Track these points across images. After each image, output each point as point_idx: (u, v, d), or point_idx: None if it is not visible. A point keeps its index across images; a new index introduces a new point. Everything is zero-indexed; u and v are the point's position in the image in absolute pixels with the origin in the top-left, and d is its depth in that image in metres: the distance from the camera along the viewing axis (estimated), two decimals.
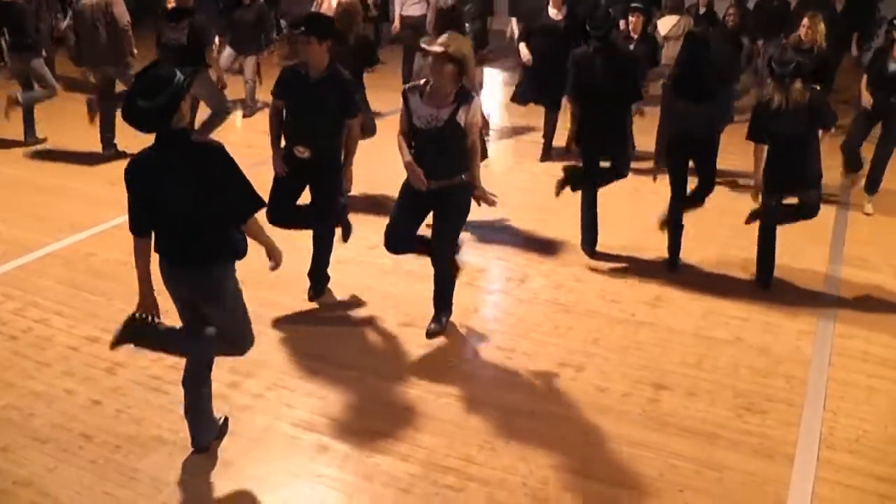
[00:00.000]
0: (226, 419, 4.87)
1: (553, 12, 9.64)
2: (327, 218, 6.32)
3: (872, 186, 8.67)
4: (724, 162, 7.25)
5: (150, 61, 4.18)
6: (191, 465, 4.60)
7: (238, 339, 4.61)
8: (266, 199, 4.65)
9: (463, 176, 5.63)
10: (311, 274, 6.45)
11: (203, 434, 4.62)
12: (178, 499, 4.39)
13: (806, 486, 4.55)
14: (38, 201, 8.34)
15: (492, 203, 5.82)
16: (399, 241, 5.86)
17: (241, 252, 4.38)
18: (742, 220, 7.31)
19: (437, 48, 5.32)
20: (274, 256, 4.59)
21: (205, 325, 4.49)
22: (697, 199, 7.11)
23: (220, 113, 9.22)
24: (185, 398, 4.52)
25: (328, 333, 6.04)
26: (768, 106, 6.38)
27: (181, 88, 3.99)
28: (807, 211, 6.62)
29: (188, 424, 4.58)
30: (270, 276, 6.50)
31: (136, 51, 9.35)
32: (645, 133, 9.48)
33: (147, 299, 4.37)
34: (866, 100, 8.55)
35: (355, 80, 6.13)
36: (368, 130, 8.52)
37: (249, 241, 4.39)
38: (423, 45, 5.52)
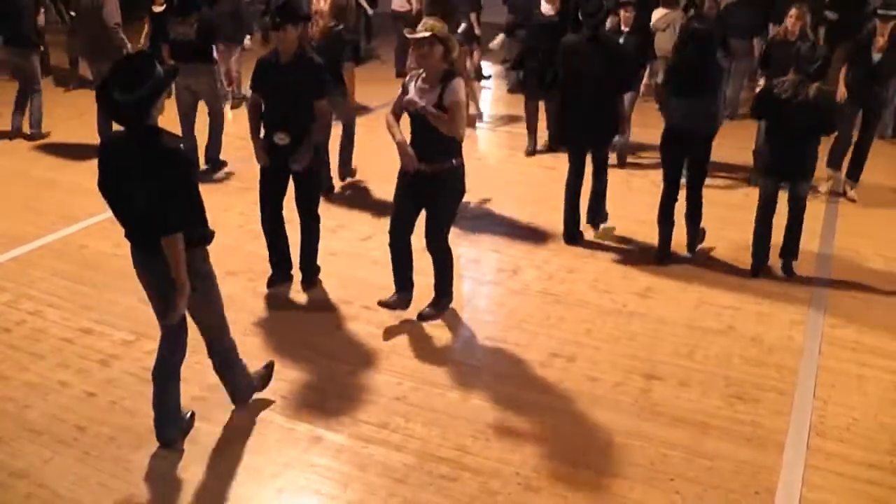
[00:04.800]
0: (192, 414, 4.87)
1: (546, 7, 9.63)
2: (309, 203, 6.34)
3: (856, 174, 8.72)
4: (713, 154, 7.27)
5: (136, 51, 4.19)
6: (185, 456, 4.62)
7: (215, 327, 4.62)
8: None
9: (454, 161, 5.70)
10: (300, 265, 6.49)
11: (167, 428, 4.62)
12: (173, 489, 4.40)
13: (796, 474, 4.58)
14: (31, 193, 8.33)
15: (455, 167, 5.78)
16: (401, 229, 5.92)
17: (204, 238, 4.37)
18: (732, 211, 7.37)
19: (424, 33, 5.42)
20: (177, 295, 4.22)
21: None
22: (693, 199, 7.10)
23: (218, 117, 9.10)
24: (154, 391, 4.56)
25: (321, 325, 6.06)
26: (779, 94, 6.42)
27: (161, 83, 4.01)
28: (797, 200, 6.67)
29: (154, 417, 4.59)
30: (265, 268, 6.56)
31: (130, 46, 9.30)
32: (641, 126, 9.53)
33: None
34: (842, 93, 8.60)
35: (324, 64, 6.19)
36: (352, 126, 8.51)
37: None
38: (406, 35, 5.58)
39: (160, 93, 4.03)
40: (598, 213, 7.57)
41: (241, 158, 8.79)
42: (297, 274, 6.57)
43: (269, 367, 5.23)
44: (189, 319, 4.53)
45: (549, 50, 9.35)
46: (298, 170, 6.05)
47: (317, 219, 6.39)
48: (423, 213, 5.91)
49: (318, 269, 6.56)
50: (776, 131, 6.59)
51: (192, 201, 4.23)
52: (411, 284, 6.13)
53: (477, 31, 12.75)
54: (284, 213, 6.39)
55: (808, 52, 6.42)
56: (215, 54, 9.16)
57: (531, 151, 10.09)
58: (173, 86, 8.74)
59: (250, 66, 6.41)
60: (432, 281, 6.12)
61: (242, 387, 4.96)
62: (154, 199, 4.04)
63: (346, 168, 8.58)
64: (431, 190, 5.74)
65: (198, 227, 4.31)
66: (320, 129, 6.13)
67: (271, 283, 6.53)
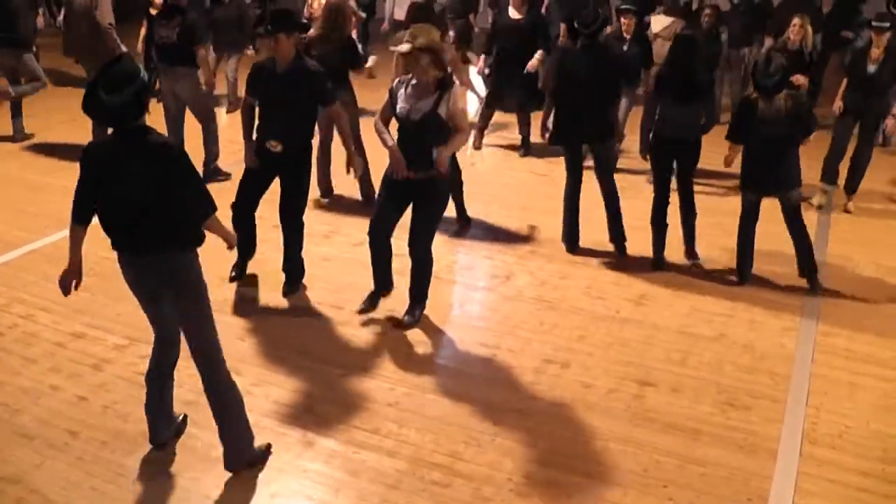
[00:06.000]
0: (184, 417, 4.88)
1: (513, 12, 9.70)
2: (296, 212, 6.37)
3: (853, 187, 8.75)
4: (709, 162, 7.31)
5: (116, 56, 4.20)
6: (177, 461, 4.61)
7: (203, 334, 4.47)
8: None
9: (442, 169, 5.72)
10: (284, 269, 6.50)
11: (161, 430, 4.64)
12: (165, 494, 4.39)
13: (789, 481, 4.60)
14: (23, 197, 8.31)
15: (443, 175, 5.75)
16: (381, 230, 5.97)
17: (196, 241, 4.35)
18: (726, 218, 7.37)
19: (404, 47, 5.44)
20: (228, 240, 4.62)
21: (169, 320, 4.50)
22: (687, 207, 7.15)
23: (207, 122, 9.07)
24: (147, 395, 4.57)
25: (314, 330, 6.06)
26: (751, 109, 6.41)
27: (146, 86, 4.05)
28: (789, 211, 6.68)
29: (147, 420, 4.61)
30: (257, 273, 6.56)
31: (124, 49, 9.28)
32: (633, 132, 9.53)
33: (73, 265, 4.37)
34: (837, 105, 8.66)
35: (324, 70, 6.22)
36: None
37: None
38: (391, 48, 5.61)
39: (144, 94, 4.06)
40: (619, 235, 7.49)
41: (235, 162, 8.77)
42: (279, 278, 6.57)
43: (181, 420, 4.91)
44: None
45: (513, 55, 9.50)
46: (357, 177, 6.15)
47: (301, 226, 6.43)
48: (406, 219, 5.94)
49: (302, 275, 6.57)
50: (756, 145, 6.53)
51: (203, 185, 4.28)
52: (391, 283, 6.25)
53: (476, 30, 12.78)
54: (270, 219, 6.44)
55: (763, 65, 6.36)
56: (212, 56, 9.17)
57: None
58: (160, 89, 8.75)
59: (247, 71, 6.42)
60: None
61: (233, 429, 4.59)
62: (167, 196, 4.09)
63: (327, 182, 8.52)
64: (420, 196, 5.77)
65: (197, 228, 4.34)
66: (344, 130, 6.22)
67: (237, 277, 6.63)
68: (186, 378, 5.08)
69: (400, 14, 13.02)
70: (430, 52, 5.46)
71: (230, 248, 4.66)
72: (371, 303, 6.25)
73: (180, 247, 4.27)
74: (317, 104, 6.21)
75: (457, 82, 5.63)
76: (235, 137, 6.42)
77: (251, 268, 6.71)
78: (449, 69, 5.66)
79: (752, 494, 4.49)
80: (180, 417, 4.83)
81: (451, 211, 7.77)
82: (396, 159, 5.64)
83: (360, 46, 8.88)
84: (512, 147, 10.46)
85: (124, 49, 9.22)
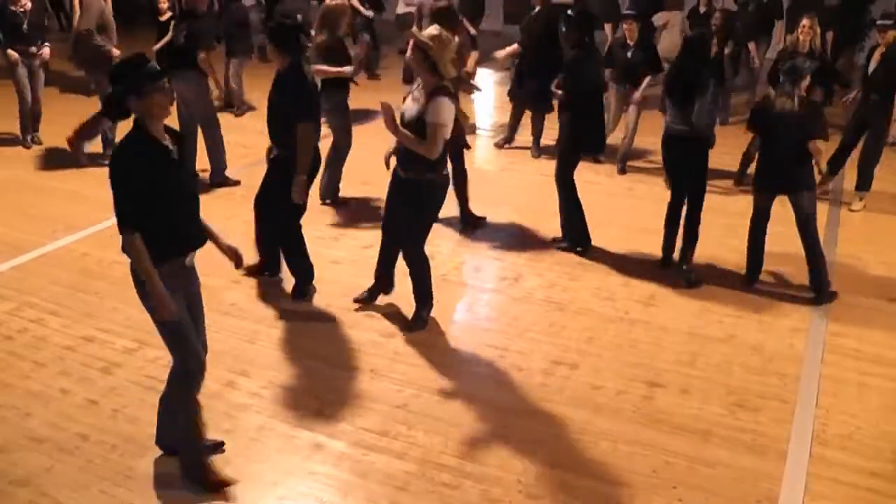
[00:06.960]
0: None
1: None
2: (275, 214, 6.40)
3: (861, 185, 8.71)
4: (717, 162, 7.29)
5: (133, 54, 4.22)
6: None
7: (171, 346, 4.26)
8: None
9: (428, 174, 5.69)
10: (290, 272, 6.56)
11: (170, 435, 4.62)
12: (174, 497, 4.40)
13: (798, 482, 4.58)
14: (32, 202, 8.34)
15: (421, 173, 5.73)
16: (386, 226, 6.14)
17: (162, 254, 4.07)
18: (735, 219, 7.35)
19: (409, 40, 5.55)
20: (161, 305, 4.07)
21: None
22: (693, 209, 7.07)
23: (210, 128, 9.08)
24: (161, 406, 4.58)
25: (323, 333, 6.06)
26: (768, 107, 6.40)
27: (138, 78, 3.92)
28: (802, 219, 6.61)
29: (157, 425, 4.64)
30: (268, 277, 6.57)
31: (114, 52, 9.24)
32: (644, 133, 9.53)
33: (162, 298, 4.05)
34: (855, 94, 8.87)
35: (313, 84, 6.30)
36: (343, 147, 8.28)
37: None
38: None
39: (134, 87, 3.91)
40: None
41: (244, 165, 8.80)
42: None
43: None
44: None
45: (532, 56, 9.54)
46: (298, 202, 6.09)
47: (287, 233, 6.38)
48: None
49: (310, 278, 6.55)
50: (769, 145, 6.52)
51: (124, 202, 3.97)
52: (388, 281, 6.33)
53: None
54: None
55: (786, 68, 6.37)
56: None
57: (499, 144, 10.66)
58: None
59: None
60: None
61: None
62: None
63: (328, 189, 8.40)
64: (401, 196, 5.82)
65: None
66: (302, 153, 6.04)
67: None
68: None
69: (405, 9, 13.08)
70: (423, 52, 5.43)
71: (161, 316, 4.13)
72: (370, 296, 6.37)
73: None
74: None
75: (442, 97, 5.45)
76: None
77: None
78: (452, 73, 5.61)
79: (761, 496, 4.48)
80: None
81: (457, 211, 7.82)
82: (385, 109, 5.45)
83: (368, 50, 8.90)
84: (522, 148, 10.44)
85: (110, 48, 9.23)
